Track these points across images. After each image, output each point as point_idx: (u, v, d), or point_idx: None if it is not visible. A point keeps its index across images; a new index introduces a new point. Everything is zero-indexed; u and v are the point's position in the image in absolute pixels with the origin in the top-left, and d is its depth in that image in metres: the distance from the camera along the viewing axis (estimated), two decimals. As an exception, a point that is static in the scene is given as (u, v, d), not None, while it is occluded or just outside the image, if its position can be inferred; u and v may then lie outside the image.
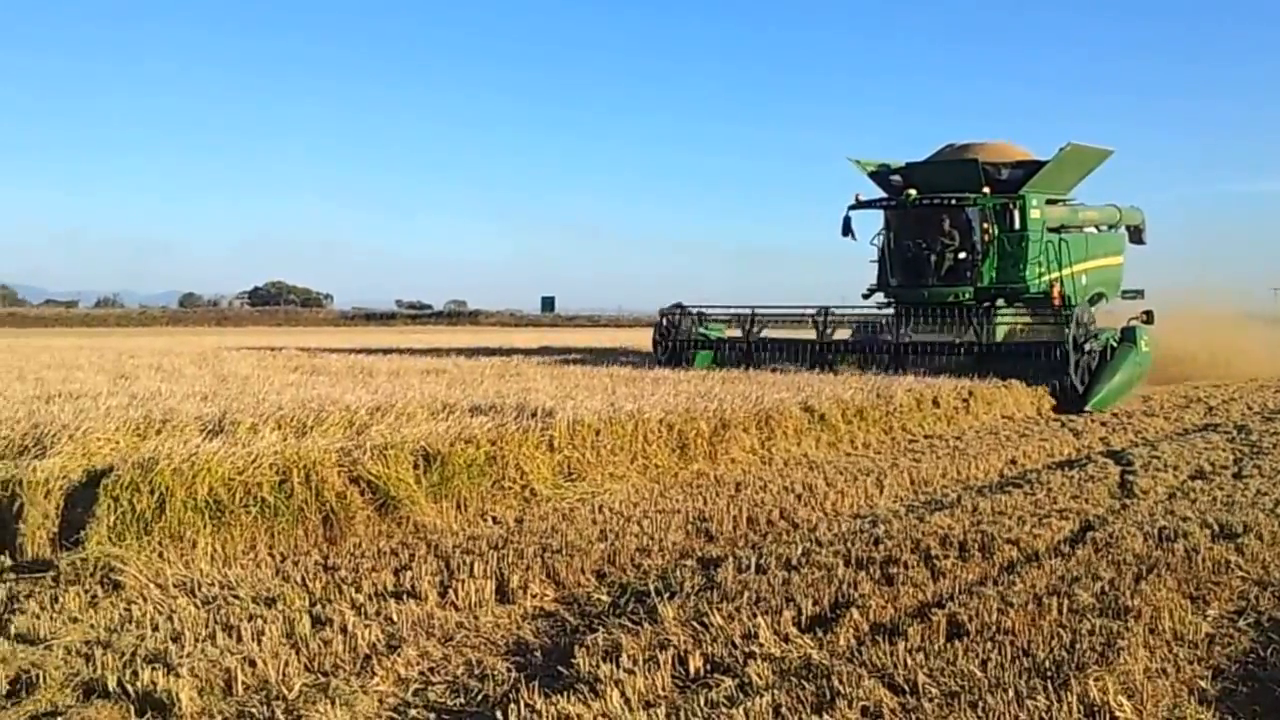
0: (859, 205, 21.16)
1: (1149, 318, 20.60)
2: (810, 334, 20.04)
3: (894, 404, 13.50)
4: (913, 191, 20.73)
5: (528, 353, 26.07)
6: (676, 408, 10.62)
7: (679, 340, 21.12)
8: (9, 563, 6.32)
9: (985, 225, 20.44)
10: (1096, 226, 24.05)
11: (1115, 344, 18.74)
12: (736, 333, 20.79)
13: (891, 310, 20.76)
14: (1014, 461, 11.58)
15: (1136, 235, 25.60)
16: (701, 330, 21.39)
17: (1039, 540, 7.38)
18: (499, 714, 4.18)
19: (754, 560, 6.75)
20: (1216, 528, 7.76)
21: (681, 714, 4.20)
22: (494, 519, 7.93)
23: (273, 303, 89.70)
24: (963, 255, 20.63)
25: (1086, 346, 18.10)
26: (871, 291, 21.85)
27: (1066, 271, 21.19)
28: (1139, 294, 24.18)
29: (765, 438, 11.16)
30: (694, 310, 21.52)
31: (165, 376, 15.14)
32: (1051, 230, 21.39)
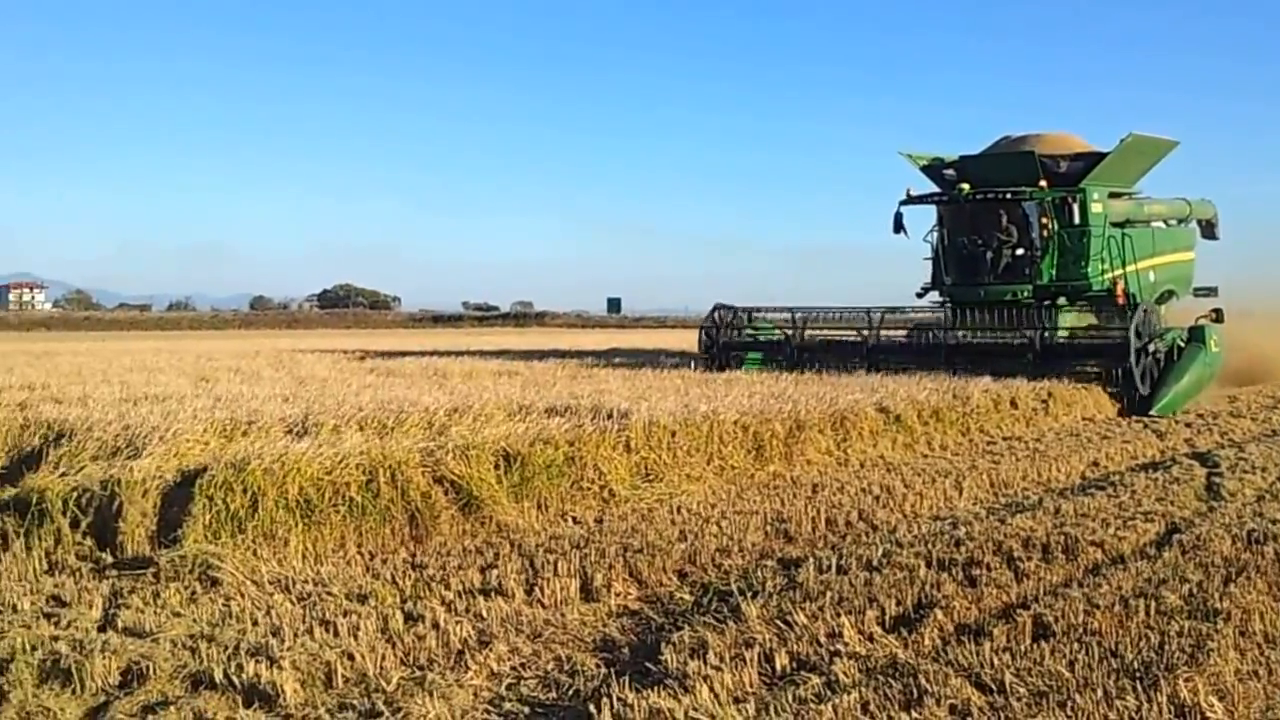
0: (910, 201, 20.28)
1: (1219, 316, 19.61)
2: (859, 335, 19.45)
3: (970, 405, 13.40)
4: (966, 186, 19.94)
5: (597, 354, 26.08)
6: (751, 409, 10.66)
7: (726, 342, 20.61)
8: (110, 559, 6.55)
9: (1044, 220, 19.56)
10: (1165, 221, 22.99)
11: (1183, 344, 17.91)
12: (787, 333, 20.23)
13: (945, 310, 20.13)
14: (1095, 464, 11.44)
15: (1209, 230, 24.44)
16: (750, 331, 20.89)
17: (1124, 542, 7.32)
18: (591, 708, 4.27)
19: (834, 561, 6.77)
20: (1308, 530, 7.62)
21: (770, 710, 4.25)
22: (574, 519, 8.04)
23: (341, 305, 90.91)
24: (1020, 252, 19.77)
25: (1151, 347, 17.27)
26: (925, 290, 21.10)
27: (1131, 268, 20.17)
28: (1212, 291, 22.95)
29: (840, 439, 11.14)
30: (742, 311, 20.97)
31: (245, 379, 15.44)
32: (1115, 225, 20.38)
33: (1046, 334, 17.88)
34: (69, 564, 6.46)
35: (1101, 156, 20.42)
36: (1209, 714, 4.26)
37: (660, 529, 7.68)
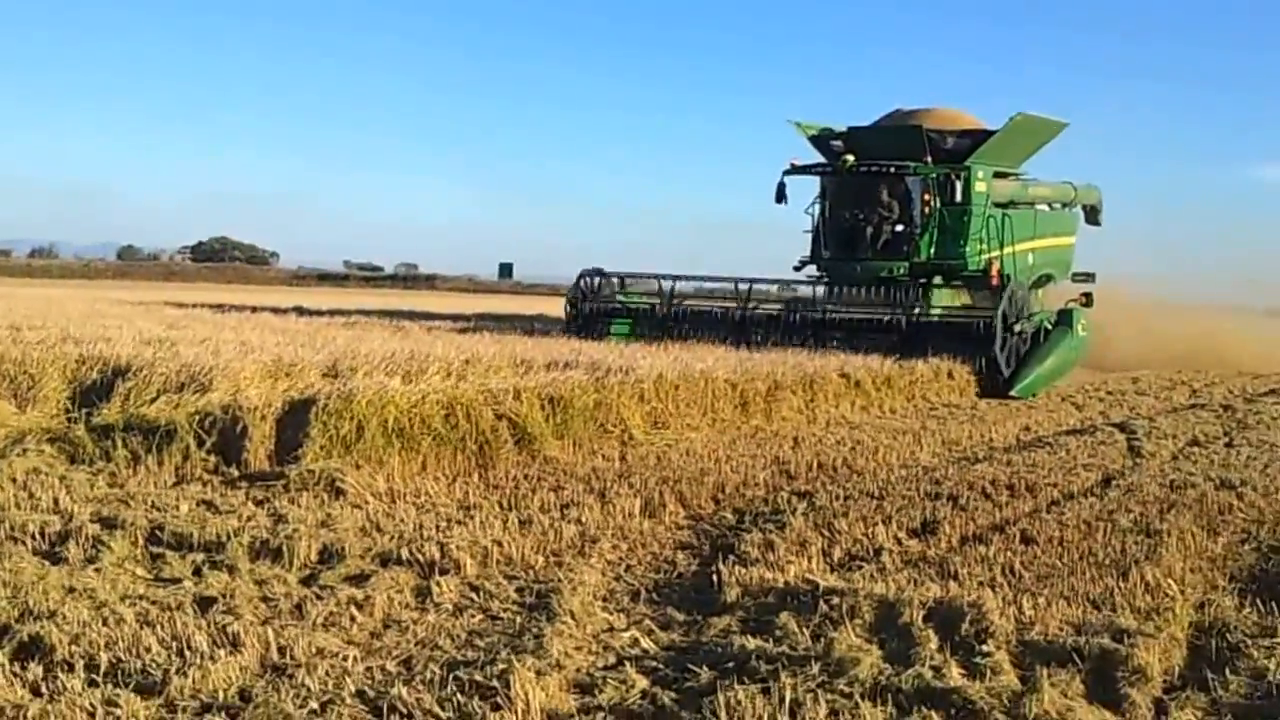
0: (794, 170, 19.88)
1: (1088, 300, 19.82)
2: (729, 306, 18.88)
3: (916, 374, 14.87)
4: (850, 157, 19.40)
5: (523, 318, 25.58)
6: (736, 369, 11.95)
7: (595, 307, 20.02)
8: (236, 474, 7.57)
9: (926, 196, 19.15)
10: (1049, 204, 22.93)
11: (1050, 327, 18.06)
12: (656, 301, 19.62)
13: (817, 284, 19.57)
14: (1028, 428, 12.95)
15: (1092, 215, 24.62)
16: (621, 298, 20.30)
17: (1073, 485, 8.76)
18: (712, 578, 5.48)
19: (842, 493, 8.07)
20: (1218, 481, 9.11)
21: (847, 579, 5.50)
22: (603, 456, 9.22)
23: (216, 259, 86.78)
24: (900, 228, 19.37)
25: (1018, 328, 17.23)
26: (803, 264, 20.59)
27: (1009, 250, 19.76)
28: (1090, 277, 22.78)
29: (809, 399, 12.50)
30: (613, 276, 20.41)
31: (219, 329, 15.66)
32: (998, 205, 20.10)
33: (913, 312, 17.69)
34: (199, 477, 7.48)
35: (989, 134, 20.21)
36: (1168, 591, 5.61)
37: (680, 466, 8.90)
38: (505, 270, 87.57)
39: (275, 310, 22.12)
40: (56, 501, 6.57)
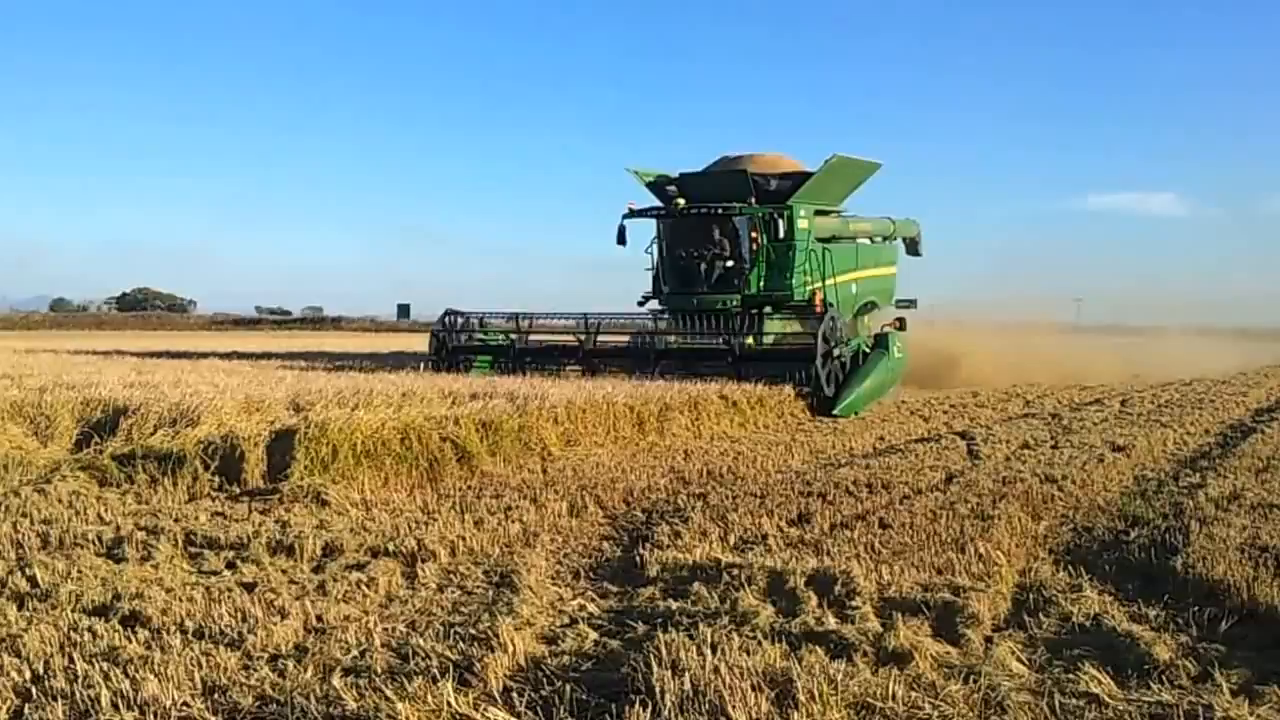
0: (632, 214, 21.28)
1: (902, 324, 21.34)
2: (577, 339, 20.26)
3: (783, 394, 16.48)
4: (681, 201, 20.99)
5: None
6: (632, 394, 13.37)
7: (455, 346, 21.30)
8: (238, 490, 8.94)
9: (753, 234, 20.67)
10: (870, 238, 24.56)
11: (868, 350, 19.41)
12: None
13: (656, 317, 20.93)
14: (882, 438, 14.63)
15: (913, 247, 26.48)
16: (481, 336, 21.52)
17: (921, 481, 10.36)
18: (636, 557, 6.82)
19: (730, 493, 9.51)
20: (1043, 476, 10.83)
21: (738, 559, 6.90)
22: (528, 469, 10.52)
23: (139, 308, 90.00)
24: (731, 264, 20.83)
25: (837, 352, 18.41)
26: (646, 299, 21.97)
27: (831, 281, 21.31)
28: (912, 303, 24.61)
29: (694, 418, 13.97)
30: (473, 316, 21.64)
31: (180, 372, 17.00)
32: (821, 240, 21.64)
33: (743, 340, 18.92)
34: (207, 494, 8.73)
35: (809, 175, 21.76)
36: (997, 560, 7.14)
37: (593, 476, 10.23)
38: (403, 311, 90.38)
39: (218, 355, 24.50)
40: (100, 515, 7.74)
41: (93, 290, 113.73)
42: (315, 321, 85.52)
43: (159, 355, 24.13)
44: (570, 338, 20.53)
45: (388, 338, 58.13)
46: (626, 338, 20.62)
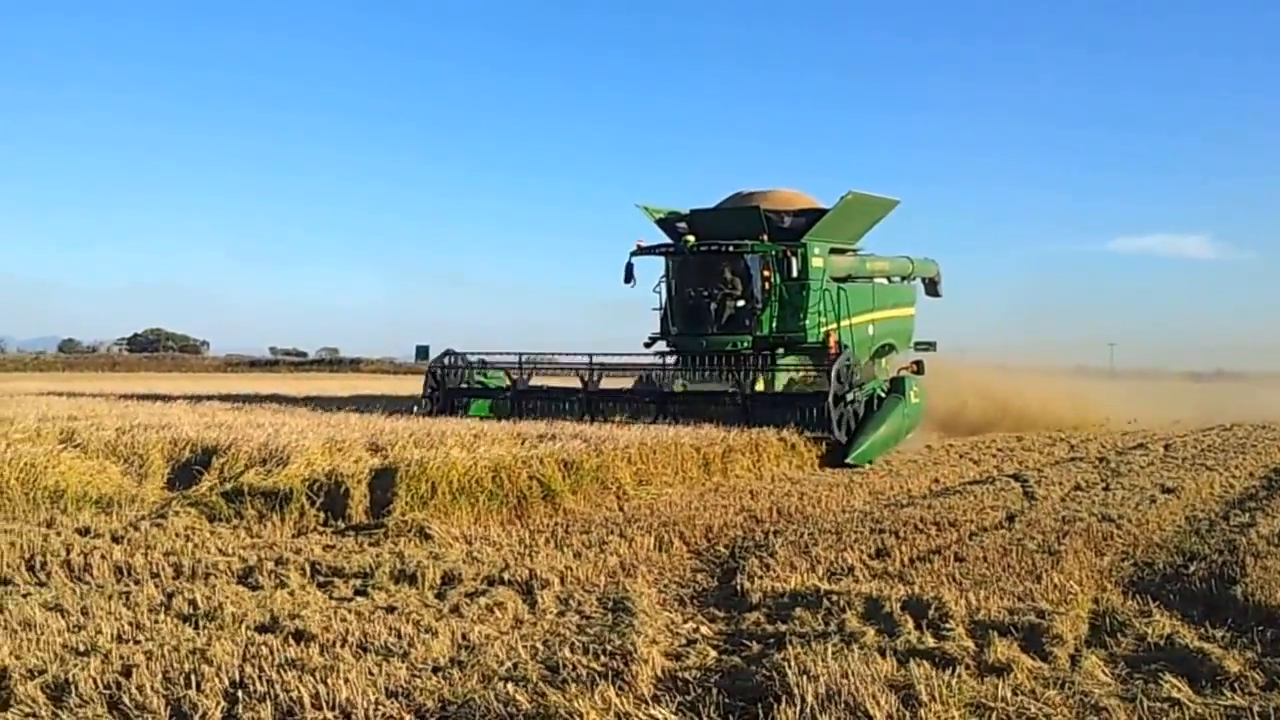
0: (640, 251, 20.58)
1: (919, 368, 20.72)
2: (580, 382, 19.44)
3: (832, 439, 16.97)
4: (691, 238, 20.20)
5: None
6: (699, 436, 13.90)
7: (451, 388, 20.65)
8: (343, 525, 9.48)
9: (765, 273, 19.91)
10: (888, 278, 23.76)
11: (883, 394, 18.37)
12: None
13: (666, 360, 20.07)
14: (937, 480, 15.06)
15: (932, 288, 25.50)
16: (480, 379, 20.95)
17: (985, 520, 10.80)
18: (736, 585, 7.32)
19: (805, 530, 9.99)
20: (1100, 515, 11.25)
21: (833, 587, 7.38)
22: (606, 507, 11.04)
23: (151, 349, 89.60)
24: (742, 303, 20.12)
25: (850, 397, 17.47)
26: (653, 340, 21.24)
27: (846, 322, 20.51)
28: (931, 346, 23.94)
29: (755, 460, 14.47)
30: (473, 357, 21.00)
31: (239, 414, 17.48)
32: (835, 279, 20.88)
33: (750, 384, 18.14)
34: (314, 529, 9.26)
35: (823, 212, 21.03)
36: (1070, 589, 7.58)
37: (669, 514, 10.73)
38: (422, 352, 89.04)
39: (273, 397, 25.30)
40: (220, 548, 8.23)
41: (101, 330, 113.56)
42: (333, 363, 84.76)
43: (205, 398, 24.13)
44: (575, 379, 19.77)
45: (414, 380, 57.90)
46: (631, 381, 20.08)
